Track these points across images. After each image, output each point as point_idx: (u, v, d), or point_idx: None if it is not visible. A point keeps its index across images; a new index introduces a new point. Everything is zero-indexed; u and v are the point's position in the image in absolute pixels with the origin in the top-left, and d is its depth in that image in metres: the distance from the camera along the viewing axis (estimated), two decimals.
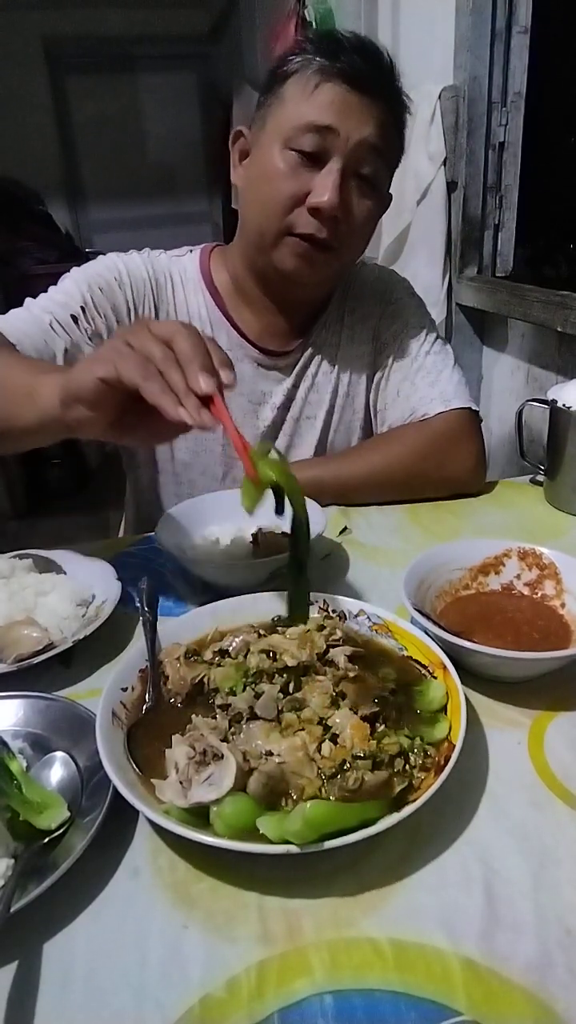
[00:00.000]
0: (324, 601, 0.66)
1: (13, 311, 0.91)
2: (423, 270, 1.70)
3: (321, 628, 0.60)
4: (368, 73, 0.83)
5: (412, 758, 0.49)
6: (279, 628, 0.61)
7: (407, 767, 0.48)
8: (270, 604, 0.66)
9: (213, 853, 0.44)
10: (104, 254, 0.98)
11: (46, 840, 0.46)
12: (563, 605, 0.68)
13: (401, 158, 0.93)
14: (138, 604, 0.70)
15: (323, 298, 1.03)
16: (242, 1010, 0.38)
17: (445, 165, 1.63)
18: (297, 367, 1.03)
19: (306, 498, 0.59)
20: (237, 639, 0.60)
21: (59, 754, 0.52)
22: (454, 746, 0.48)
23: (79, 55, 4.15)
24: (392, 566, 0.80)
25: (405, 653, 0.61)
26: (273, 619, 0.64)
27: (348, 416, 1.08)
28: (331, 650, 0.57)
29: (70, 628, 0.68)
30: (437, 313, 1.69)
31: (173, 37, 4.21)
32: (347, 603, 0.66)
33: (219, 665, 0.58)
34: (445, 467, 0.98)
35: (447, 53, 1.60)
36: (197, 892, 0.44)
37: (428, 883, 0.44)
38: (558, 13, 1.50)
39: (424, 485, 0.99)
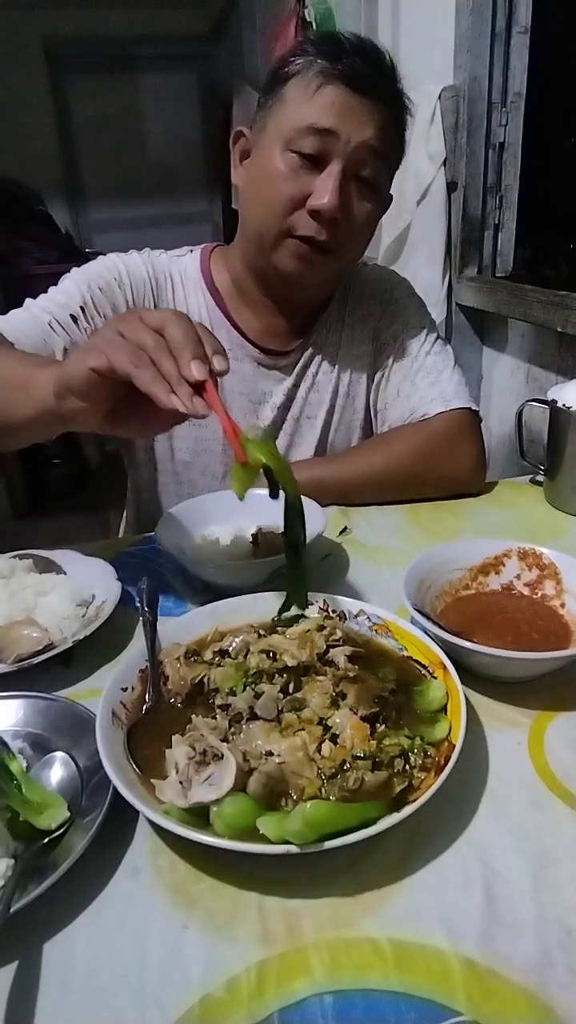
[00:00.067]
0: (324, 601, 0.66)
1: (13, 311, 0.91)
2: (423, 270, 1.70)
3: (321, 628, 0.60)
4: (369, 75, 0.83)
5: (412, 758, 0.49)
6: (279, 628, 0.61)
7: (407, 767, 0.48)
8: (270, 604, 0.66)
9: (213, 853, 0.44)
10: (104, 254, 0.98)
11: (46, 840, 0.46)
12: (563, 605, 0.68)
13: (402, 160, 0.93)
14: (138, 604, 0.70)
15: (323, 298, 1.03)
16: (242, 1010, 0.38)
17: (445, 165, 1.63)
18: (297, 367, 1.03)
19: (306, 498, 0.58)
20: (237, 639, 0.60)
21: (59, 754, 0.52)
22: (454, 746, 0.48)
23: (79, 55, 4.15)
24: (392, 566, 0.80)
25: (405, 653, 0.61)
26: (273, 619, 0.64)
27: (348, 416, 1.08)
28: (331, 650, 0.57)
29: (70, 628, 0.68)
30: (437, 313, 1.69)
31: (173, 37, 4.22)
32: (347, 603, 0.66)
33: (219, 665, 0.58)
34: (445, 467, 0.98)
35: (447, 53, 1.60)
36: (197, 892, 0.44)
37: (428, 883, 0.44)
38: (558, 13, 1.50)
39: (424, 485, 0.99)
